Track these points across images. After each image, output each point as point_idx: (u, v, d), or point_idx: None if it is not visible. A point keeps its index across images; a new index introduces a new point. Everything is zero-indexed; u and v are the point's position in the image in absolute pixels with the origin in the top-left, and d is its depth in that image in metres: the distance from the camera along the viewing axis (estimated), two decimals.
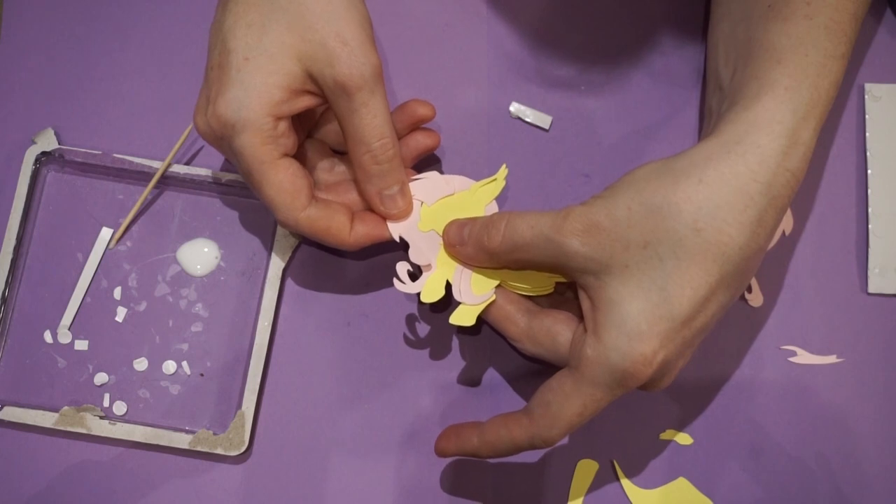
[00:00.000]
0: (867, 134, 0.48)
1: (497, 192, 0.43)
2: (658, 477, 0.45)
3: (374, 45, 0.39)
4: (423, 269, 0.42)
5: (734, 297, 0.37)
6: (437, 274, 0.41)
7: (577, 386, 0.37)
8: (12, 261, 0.46)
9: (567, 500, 0.45)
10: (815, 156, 0.39)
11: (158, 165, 0.47)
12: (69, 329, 0.46)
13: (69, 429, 0.44)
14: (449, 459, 0.45)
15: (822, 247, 0.47)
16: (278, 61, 0.38)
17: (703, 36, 0.49)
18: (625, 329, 0.35)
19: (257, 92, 0.38)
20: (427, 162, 0.48)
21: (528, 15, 0.49)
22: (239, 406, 0.45)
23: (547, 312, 0.40)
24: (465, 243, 0.40)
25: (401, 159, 0.42)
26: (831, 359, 0.46)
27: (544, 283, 0.41)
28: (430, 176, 0.43)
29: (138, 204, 0.47)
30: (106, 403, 0.46)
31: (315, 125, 0.45)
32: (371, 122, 0.39)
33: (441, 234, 0.42)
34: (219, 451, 0.44)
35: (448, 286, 0.41)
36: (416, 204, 0.43)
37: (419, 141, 0.44)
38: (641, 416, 0.46)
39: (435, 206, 0.43)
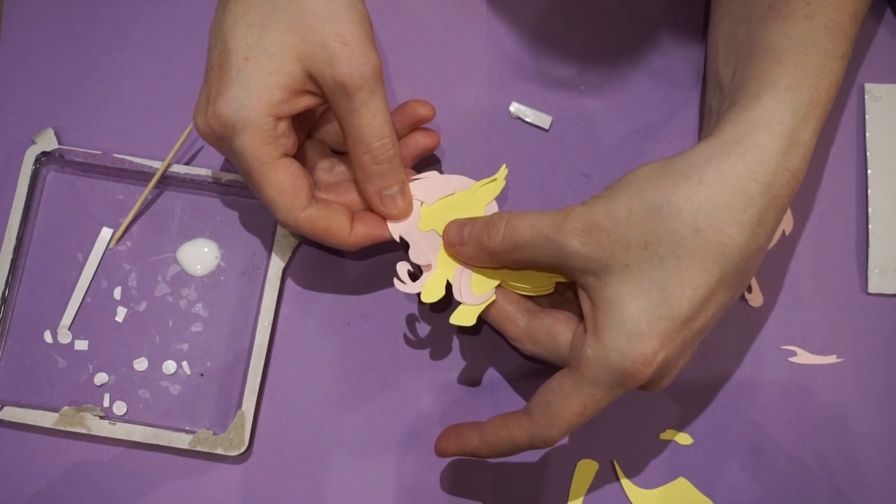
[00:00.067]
0: (867, 134, 0.48)
1: (497, 191, 0.43)
2: (658, 477, 0.45)
3: (374, 45, 0.39)
4: (423, 269, 0.42)
5: (734, 297, 0.37)
6: (437, 274, 0.41)
7: (577, 386, 0.37)
8: (12, 261, 0.46)
9: (567, 500, 0.45)
10: (815, 156, 0.39)
11: (158, 165, 0.47)
12: (69, 329, 0.46)
13: (69, 429, 0.44)
14: (449, 459, 0.45)
15: (822, 247, 0.47)
16: (278, 61, 0.38)
17: (703, 36, 0.49)
18: (625, 329, 0.35)
19: (257, 92, 0.38)
20: (427, 162, 0.48)
21: (528, 15, 0.49)
22: (239, 406, 0.45)
23: (547, 312, 0.40)
24: (466, 243, 0.40)
25: (401, 159, 0.42)
26: (831, 359, 0.46)
27: (544, 283, 0.41)
28: (430, 176, 0.43)
29: (138, 204, 0.47)
30: (106, 403, 0.46)
31: (315, 125, 0.45)
32: (371, 122, 0.39)
33: (441, 233, 0.42)
34: (219, 451, 0.44)
35: (448, 286, 0.41)
36: (416, 204, 0.43)
37: (419, 141, 0.44)
38: (641, 416, 0.46)
39: (435, 205, 0.43)
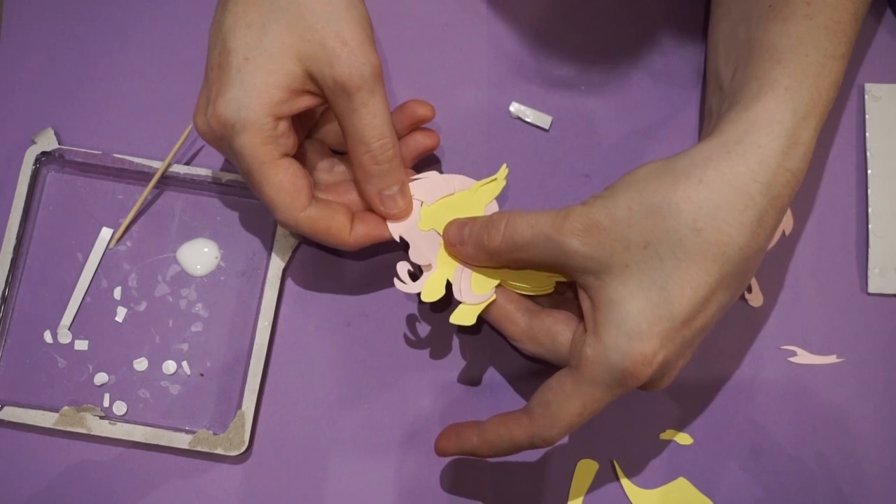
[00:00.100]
0: (867, 134, 0.48)
1: (497, 191, 0.43)
2: (658, 477, 0.45)
3: (373, 45, 0.39)
4: (423, 268, 0.42)
5: (734, 297, 0.37)
6: (437, 273, 0.41)
7: (577, 385, 0.37)
8: (12, 261, 0.46)
9: (567, 500, 0.45)
10: (815, 156, 0.39)
11: (158, 165, 0.47)
12: (69, 329, 0.46)
13: (69, 429, 0.44)
14: (449, 459, 0.45)
15: (822, 247, 0.47)
16: (278, 61, 0.38)
17: (703, 36, 0.49)
18: (625, 329, 0.35)
19: (257, 92, 0.38)
20: (427, 162, 0.48)
21: (528, 15, 0.49)
22: (239, 406, 0.45)
23: (547, 312, 0.40)
24: (466, 243, 0.40)
25: (400, 159, 0.42)
26: (831, 359, 0.46)
27: (544, 283, 0.41)
28: (430, 176, 0.43)
29: (138, 204, 0.47)
30: (106, 403, 0.46)
31: (315, 125, 0.45)
32: (371, 122, 0.39)
33: (441, 233, 0.42)
34: (219, 451, 0.44)
35: (448, 285, 0.41)
36: (415, 204, 0.43)
37: (419, 141, 0.44)
38: (641, 416, 0.46)
39: (435, 205, 0.43)
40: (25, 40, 0.49)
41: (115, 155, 0.47)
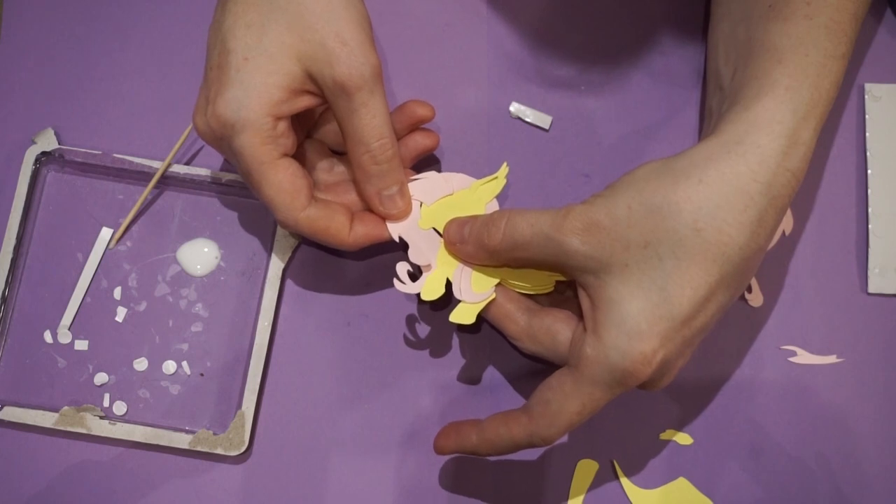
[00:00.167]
0: (867, 134, 0.48)
1: (498, 190, 0.43)
2: (658, 477, 0.45)
3: (373, 46, 0.39)
4: (422, 269, 0.42)
5: (734, 297, 0.37)
6: (437, 272, 0.41)
7: (577, 385, 0.37)
8: (12, 261, 0.46)
9: (567, 500, 0.45)
10: (815, 156, 0.39)
11: (158, 165, 0.47)
12: (69, 329, 0.46)
13: (69, 429, 0.44)
14: (449, 458, 0.45)
15: (822, 247, 0.47)
16: (278, 61, 0.38)
17: (703, 36, 0.49)
18: (624, 328, 0.35)
19: (257, 92, 0.38)
20: (427, 162, 0.48)
21: (528, 15, 0.49)
22: (239, 406, 0.45)
23: (547, 311, 0.40)
24: (466, 241, 0.40)
25: (400, 160, 0.42)
26: (831, 359, 0.46)
27: (544, 282, 0.41)
28: (429, 176, 0.43)
29: (138, 204, 0.47)
30: (106, 403, 0.46)
31: (314, 125, 0.45)
32: (370, 123, 0.39)
33: (441, 233, 0.42)
34: (219, 451, 0.44)
35: (448, 284, 0.41)
36: (415, 204, 0.43)
37: (418, 141, 0.44)
38: (641, 416, 0.46)
39: (435, 205, 0.43)
40: (25, 40, 0.49)
41: (115, 155, 0.47)
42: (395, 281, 0.41)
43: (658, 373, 0.37)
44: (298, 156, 0.43)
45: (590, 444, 0.46)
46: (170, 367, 0.46)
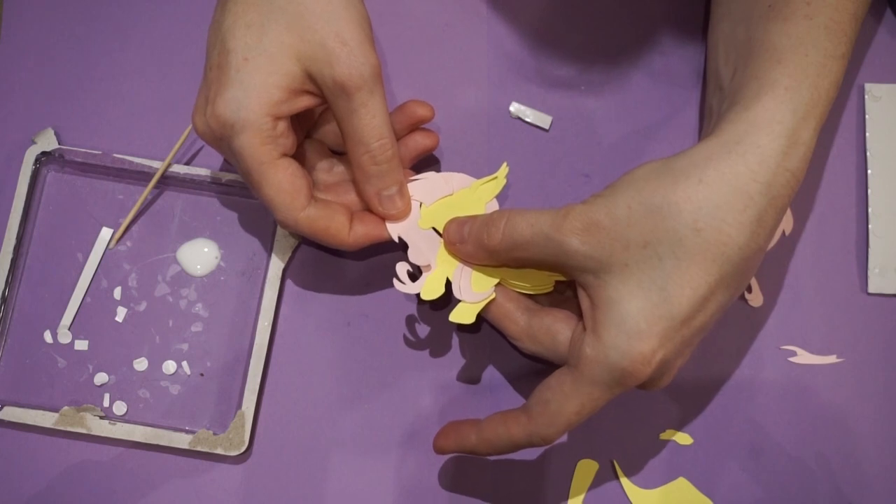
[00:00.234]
0: (867, 134, 0.48)
1: (498, 190, 0.43)
2: (658, 477, 0.45)
3: (373, 46, 0.39)
4: (422, 269, 0.42)
5: (734, 297, 0.37)
6: (437, 272, 0.41)
7: (576, 384, 0.37)
8: (12, 261, 0.46)
9: (567, 500, 0.45)
10: (815, 156, 0.39)
11: (158, 165, 0.47)
12: (69, 329, 0.46)
13: (69, 429, 0.44)
14: (449, 458, 0.45)
15: (822, 247, 0.47)
16: (277, 61, 0.38)
17: (703, 36, 0.49)
18: (624, 328, 0.35)
19: (256, 92, 0.38)
20: (426, 162, 0.48)
21: (528, 15, 0.49)
22: (239, 406, 0.45)
23: (547, 311, 0.40)
24: (465, 241, 0.40)
25: (399, 160, 0.42)
26: (831, 359, 0.46)
27: (544, 282, 0.41)
28: (429, 176, 0.43)
29: (138, 204, 0.47)
30: (106, 403, 0.46)
31: (314, 125, 0.45)
32: (370, 123, 0.39)
33: (441, 233, 0.42)
34: (219, 451, 0.44)
35: (448, 284, 0.41)
36: (414, 204, 0.43)
37: (418, 141, 0.44)
38: (641, 416, 0.46)
39: (434, 205, 0.43)
40: (25, 40, 0.49)
41: (115, 155, 0.47)
42: (395, 281, 0.41)
43: (657, 372, 0.37)
44: (298, 156, 0.43)
45: (590, 444, 0.46)
46: (170, 367, 0.46)
